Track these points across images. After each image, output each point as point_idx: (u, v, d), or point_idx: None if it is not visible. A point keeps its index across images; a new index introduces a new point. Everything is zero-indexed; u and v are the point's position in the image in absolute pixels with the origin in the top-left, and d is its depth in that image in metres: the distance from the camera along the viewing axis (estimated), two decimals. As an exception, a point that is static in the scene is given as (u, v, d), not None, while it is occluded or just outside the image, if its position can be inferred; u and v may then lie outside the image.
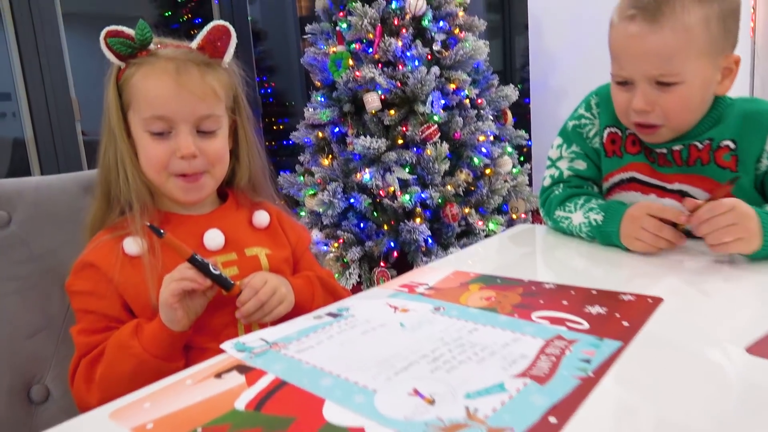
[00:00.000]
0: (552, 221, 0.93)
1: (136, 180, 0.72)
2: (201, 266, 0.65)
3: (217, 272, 0.67)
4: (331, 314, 0.62)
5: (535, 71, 2.69)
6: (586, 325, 0.54)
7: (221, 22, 0.75)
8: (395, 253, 2.08)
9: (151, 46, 0.73)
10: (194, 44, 0.75)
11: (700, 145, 0.81)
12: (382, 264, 2.08)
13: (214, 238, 0.76)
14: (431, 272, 0.74)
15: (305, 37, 2.35)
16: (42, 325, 0.78)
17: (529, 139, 2.51)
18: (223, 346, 0.55)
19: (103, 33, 0.71)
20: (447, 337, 0.53)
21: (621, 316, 0.55)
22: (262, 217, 0.82)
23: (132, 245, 0.71)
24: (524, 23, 2.89)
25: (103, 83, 0.75)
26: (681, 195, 0.84)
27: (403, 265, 2.09)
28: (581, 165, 0.92)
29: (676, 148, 0.82)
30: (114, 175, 0.73)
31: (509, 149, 2.31)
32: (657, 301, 0.59)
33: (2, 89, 2.41)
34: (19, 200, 0.80)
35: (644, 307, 0.58)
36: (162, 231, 0.65)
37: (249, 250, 0.78)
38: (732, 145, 0.79)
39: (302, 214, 2.22)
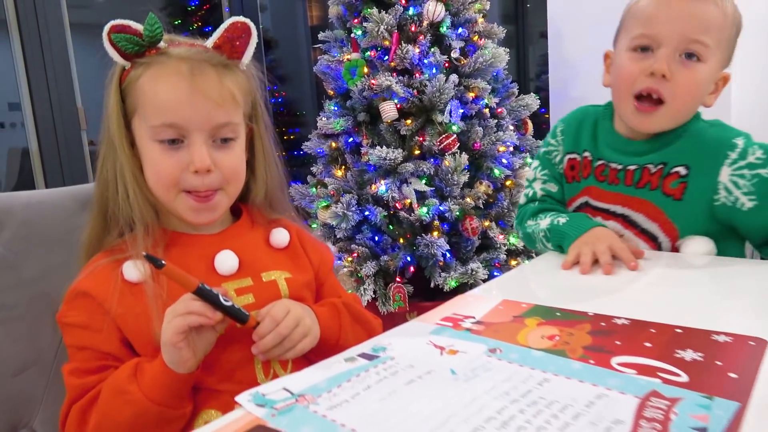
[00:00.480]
0: (522, 229, 0.96)
1: (137, 197, 0.63)
2: (210, 298, 0.56)
3: (228, 303, 0.57)
4: (365, 355, 0.52)
5: (555, 80, 2.60)
6: (684, 377, 0.44)
7: (240, 19, 0.66)
8: (412, 268, 1.99)
9: (162, 44, 0.65)
10: (210, 43, 0.67)
11: (653, 168, 0.82)
12: (398, 279, 1.99)
13: (226, 261, 0.67)
14: (476, 302, 0.65)
15: (317, 46, 2.28)
16: (30, 361, 0.69)
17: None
18: (239, 399, 0.45)
19: (106, 28, 0.63)
20: (513, 391, 0.43)
21: (724, 365, 0.45)
22: (280, 236, 0.73)
23: (132, 270, 0.62)
24: (540, 32, 2.80)
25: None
26: (624, 219, 0.85)
27: (419, 280, 2.00)
28: (553, 187, 0.96)
29: (631, 167, 0.84)
30: (112, 190, 0.64)
31: (529, 160, 2.22)
32: (762, 344, 0.49)
33: (11, 99, 2.36)
34: (7, 218, 0.71)
35: (748, 352, 0.48)
36: (161, 261, 0.54)
37: (266, 275, 0.69)
38: (683, 171, 0.80)
39: (314, 226, 2.13)
